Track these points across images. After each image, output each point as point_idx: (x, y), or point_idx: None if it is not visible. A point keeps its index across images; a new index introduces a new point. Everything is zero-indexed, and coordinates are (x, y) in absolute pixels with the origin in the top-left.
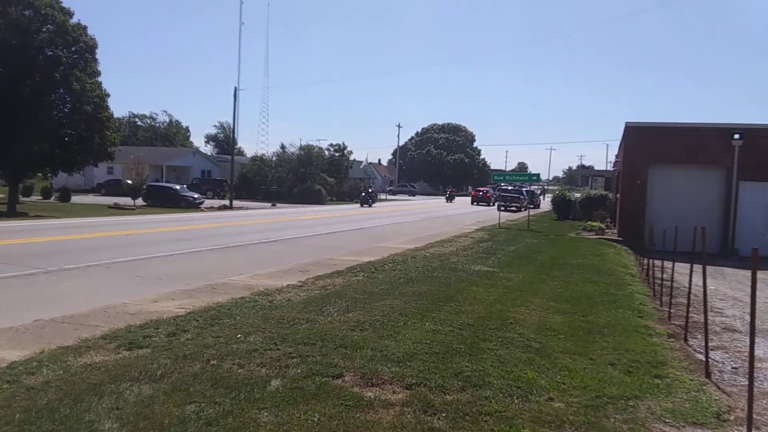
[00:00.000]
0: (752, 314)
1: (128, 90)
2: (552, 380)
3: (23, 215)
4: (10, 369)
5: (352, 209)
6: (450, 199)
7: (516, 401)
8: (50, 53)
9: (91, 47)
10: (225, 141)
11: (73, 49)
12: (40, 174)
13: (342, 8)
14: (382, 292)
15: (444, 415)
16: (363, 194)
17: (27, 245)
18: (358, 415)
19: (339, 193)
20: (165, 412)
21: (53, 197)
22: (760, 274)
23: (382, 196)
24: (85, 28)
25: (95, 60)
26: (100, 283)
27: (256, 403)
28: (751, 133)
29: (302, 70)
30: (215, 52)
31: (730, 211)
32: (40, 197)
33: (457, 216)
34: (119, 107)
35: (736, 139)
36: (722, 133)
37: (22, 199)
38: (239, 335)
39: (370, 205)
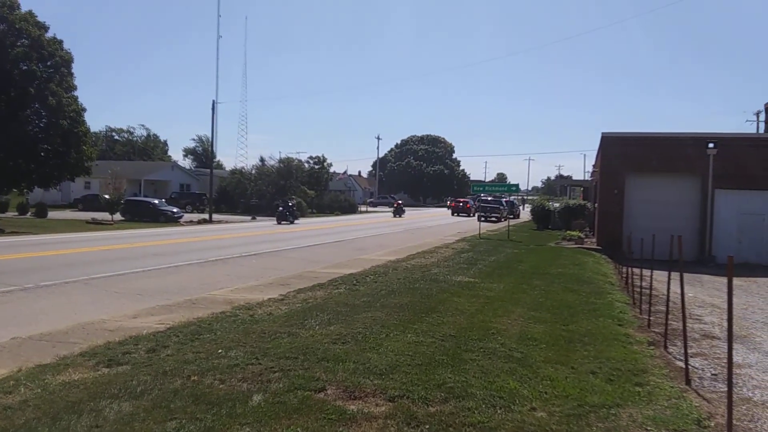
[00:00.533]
0: (729, 321)
1: (105, 104)
2: (534, 390)
3: None
4: None
5: (334, 221)
6: (398, 213)
7: (499, 411)
8: (25, 68)
9: (66, 61)
10: (204, 154)
11: (49, 63)
12: (15, 189)
13: (320, 21)
14: (364, 304)
15: (427, 426)
16: (280, 208)
17: (3, 262)
18: (341, 428)
19: (319, 205)
20: (146, 429)
21: (29, 213)
22: (736, 281)
23: (363, 208)
24: (60, 42)
25: (71, 74)
26: (78, 300)
27: (238, 418)
28: (725, 142)
29: (281, 83)
30: (193, 66)
31: (706, 219)
32: (16, 213)
33: (437, 227)
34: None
35: (710, 148)
36: (697, 142)
37: None
38: (220, 350)
39: (290, 222)
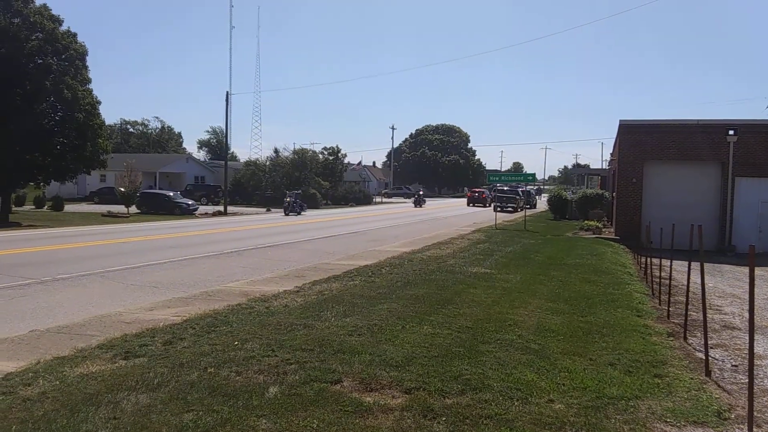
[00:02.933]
0: (751, 311)
1: (119, 97)
2: (552, 382)
3: (16, 225)
4: (6, 380)
5: (348, 213)
6: (419, 203)
7: (516, 404)
8: (40, 61)
9: (81, 54)
10: (218, 146)
11: (63, 56)
12: (32, 183)
13: (333, 10)
14: (380, 296)
15: (444, 419)
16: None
17: (20, 255)
18: (357, 420)
19: (334, 196)
20: (162, 421)
21: (46, 206)
22: (758, 271)
23: (377, 199)
24: (75, 35)
25: (86, 67)
26: (95, 292)
27: (255, 410)
28: (745, 129)
29: (294, 73)
30: (206, 57)
31: (726, 208)
32: (33, 207)
33: (453, 218)
34: (110, 114)
35: (731, 135)
36: (717, 129)
37: (14, 208)
38: (236, 342)
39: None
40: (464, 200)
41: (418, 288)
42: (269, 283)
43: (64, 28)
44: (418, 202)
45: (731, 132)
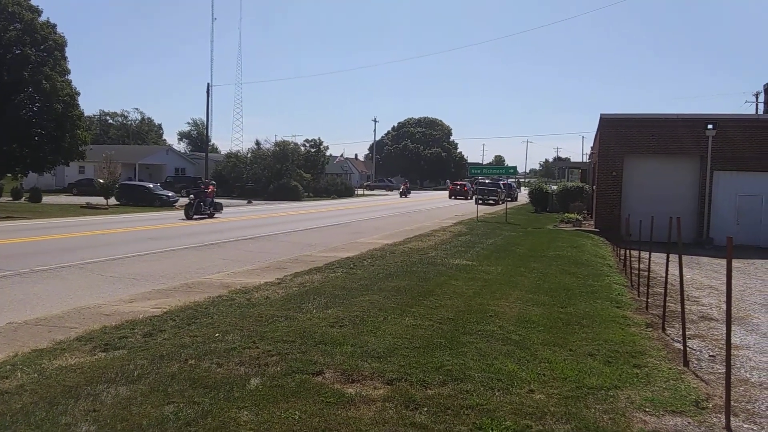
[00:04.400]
0: (728, 303)
1: (98, 88)
2: (532, 372)
3: None
4: None
5: (330, 205)
6: (405, 194)
7: (497, 394)
8: (18, 52)
9: (60, 45)
10: (199, 138)
11: (42, 47)
12: (9, 174)
13: (317, 2)
14: (361, 287)
15: (426, 409)
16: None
17: None
18: (339, 411)
19: (316, 189)
20: (143, 413)
21: (23, 198)
22: (734, 263)
23: (359, 191)
24: (54, 26)
25: (65, 58)
26: (73, 284)
27: (236, 402)
28: (724, 123)
29: (276, 65)
30: (187, 48)
31: (704, 201)
32: (10, 198)
33: (435, 210)
34: (90, 105)
35: (709, 129)
36: (696, 123)
37: None
38: (217, 334)
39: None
40: (446, 193)
41: (400, 280)
42: (250, 275)
43: (43, 18)
44: (404, 193)
45: (710, 126)
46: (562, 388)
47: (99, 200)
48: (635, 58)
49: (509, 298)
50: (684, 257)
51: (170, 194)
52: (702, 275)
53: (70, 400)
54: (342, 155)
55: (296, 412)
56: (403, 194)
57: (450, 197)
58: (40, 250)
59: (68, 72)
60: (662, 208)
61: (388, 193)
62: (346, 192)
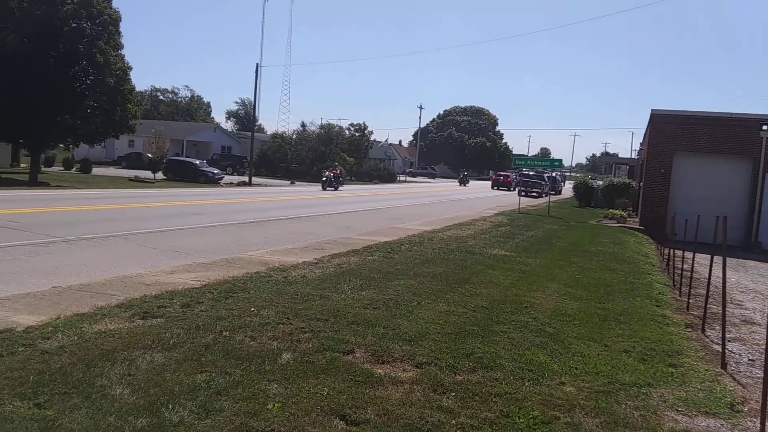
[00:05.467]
0: None
1: (151, 64)
2: (564, 365)
3: (44, 185)
4: (27, 333)
5: (372, 189)
6: (463, 182)
7: (527, 384)
8: (74, 25)
9: (114, 20)
10: (246, 118)
11: (97, 21)
12: (61, 145)
13: None
14: (397, 272)
15: (453, 394)
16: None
17: (47, 214)
18: (367, 390)
19: (358, 173)
20: (176, 380)
21: (74, 168)
22: None
23: (402, 178)
24: (109, 0)
25: (119, 33)
26: (117, 254)
27: (267, 375)
28: None
29: (325, 48)
30: (238, 29)
31: (755, 203)
32: (62, 168)
33: (476, 200)
34: (141, 81)
35: (764, 130)
36: (750, 123)
37: (43, 169)
38: (252, 309)
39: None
40: (488, 183)
41: (436, 266)
42: (288, 254)
43: None
44: (463, 182)
45: (765, 127)
46: (593, 382)
47: (146, 174)
48: (694, 54)
49: (546, 291)
50: (730, 260)
51: (215, 171)
52: (748, 279)
53: (106, 363)
54: (386, 140)
55: (325, 388)
56: (462, 183)
57: (493, 188)
58: (87, 219)
59: (122, 47)
60: (710, 209)
61: (431, 180)
62: (389, 178)
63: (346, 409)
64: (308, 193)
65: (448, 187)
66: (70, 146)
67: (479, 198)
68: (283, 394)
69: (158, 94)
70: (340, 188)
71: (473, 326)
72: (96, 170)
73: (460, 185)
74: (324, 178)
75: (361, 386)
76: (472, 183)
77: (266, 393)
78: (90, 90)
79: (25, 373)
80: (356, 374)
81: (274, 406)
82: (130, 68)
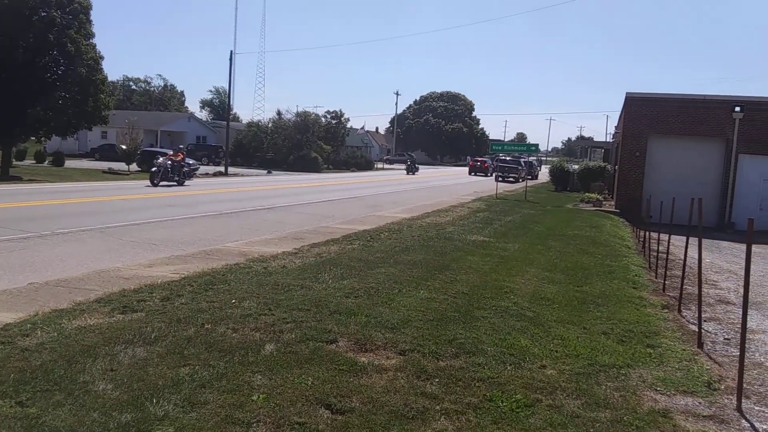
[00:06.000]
0: (746, 287)
1: (122, 53)
2: (545, 348)
3: (17, 179)
4: (5, 331)
5: (349, 177)
6: (411, 170)
7: (509, 368)
8: (44, 14)
9: (85, 8)
10: (220, 106)
11: (68, 10)
12: (33, 138)
13: None
14: (378, 260)
15: (437, 380)
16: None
17: (20, 209)
18: (351, 379)
19: (336, 161)
20: (159, 374)
21: (47, 162)
22: (755, 248)
23: (379, 165)
24: None
25: (89, 21)
26: (94, 248)
27: (250, 366)
28: (752, 106)
29: (299, 35)
30: (211, 15)
31: (728, 185)
32: (34, 161)
33: (454, 186)
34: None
35: (737, 112)
36: (723, 105)
37: (15, 163)
38: (233, 300)
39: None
40: (465, 169)
41: (416, 253)
42: (267, 245)
43: None
44: (411, 169)
45: (737, 108)
46: (574, 364)
47: (121, 166)
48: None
49: (525, 275)
50: (704, 241)
51: (191, 162)
52: (721, 259)
53: (88, 359)
54: (363, 128)
55: (309, 378)
56: (410, 171)
57: (470, 174)
58: (61, 214)
59: (93, 36)
60: (684, 191)
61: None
62: (366, 165)
63: (331, 398)
64: (286, 182)
65: (425, 173)
66: (42, 139)
67: (457, 184)
68: (268, 385)
69: (131, 83)
70: (187, 183)
71: (454, 312)
72: (69, 163)
73: (408, 174)
74: (155, 168)
75: (345, 375)
76: (450, 169)
77: (250, 384)
78: (61, 80)
79: (5, 371)
80: (340, 363)
81: (258, 397)
82: (102, 58)
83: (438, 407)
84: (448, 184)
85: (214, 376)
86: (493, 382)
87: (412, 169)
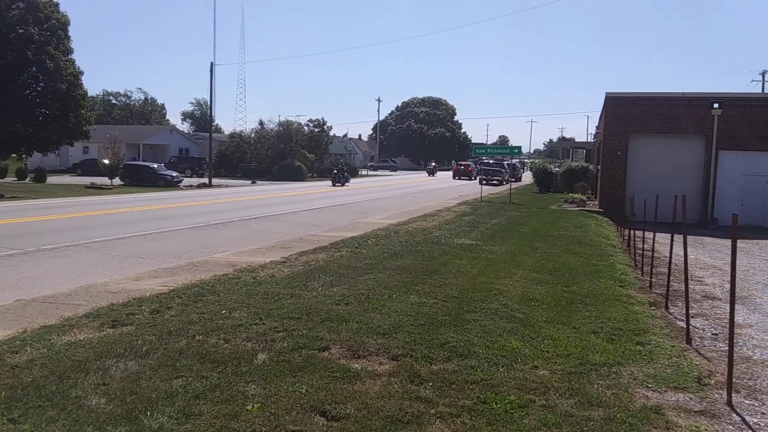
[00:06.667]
0: (732, 280)
1: (102, 68)
2: (536, 349)
3: None
4: None
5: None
6: (432, 173)
7: (501, 370)
8: (21, 31)
9: (63, 24)
10: (202, 118)
11: (45, 26)
12: (14, 155)
13: None
14: (366, 266)
15: (430, 384)
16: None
17: (3, 226)
18: (345, 385)
19: (320, 169)
20: (152, 386)
21: (28, 178)
22: (738, 243)
23: (363, 172)
24: (56, 4)
25: (68, 37)
26: (80, 263)
27: (243, 376)
28: (730, 103)
29: (279, 44)
30: (190, 27)
31: (709, 181)
32: (15, 178)
33: (439, 190)
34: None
35: (715, 108)
36: (701, 102)
37: None
38: (224, 311)
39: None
40: (450, 173)
41: (405, 259)
42: (255, 254)
43: None
44: (432, 172)
45: (716, 105)
46: (565, 364)
47: (103, 180)
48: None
49: (513, 277)
50: (688, 237)
51: (174, 174)
52: (706, 255)
53: (79, 374)
54: (345, 135)
55: (303, 386)
56: (431, 173)
57: (454, 178)
58: (46, 230)
59: (71, 51)
60: (667, 188)
61: (392, 173)
62: (350, 172)
63: (326, 405)
64: (270, 191)
65: (410, 179)
66: (23, 155)
67: (442, 189)
68: (262, 395)
69: (111, 98)
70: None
71: (445, 316)
72: (51, 179)
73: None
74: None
75: (338, 382)
76: (409, 175)
77: (244, 394)
78: (41, 97)
79: None
80: (333, 370)
81: (253, 406)
82: (82, 73)
83: (432, 411)
84: (433, 189)
85: (207, 387)
86: (487, 384)
87: (339, 179)
